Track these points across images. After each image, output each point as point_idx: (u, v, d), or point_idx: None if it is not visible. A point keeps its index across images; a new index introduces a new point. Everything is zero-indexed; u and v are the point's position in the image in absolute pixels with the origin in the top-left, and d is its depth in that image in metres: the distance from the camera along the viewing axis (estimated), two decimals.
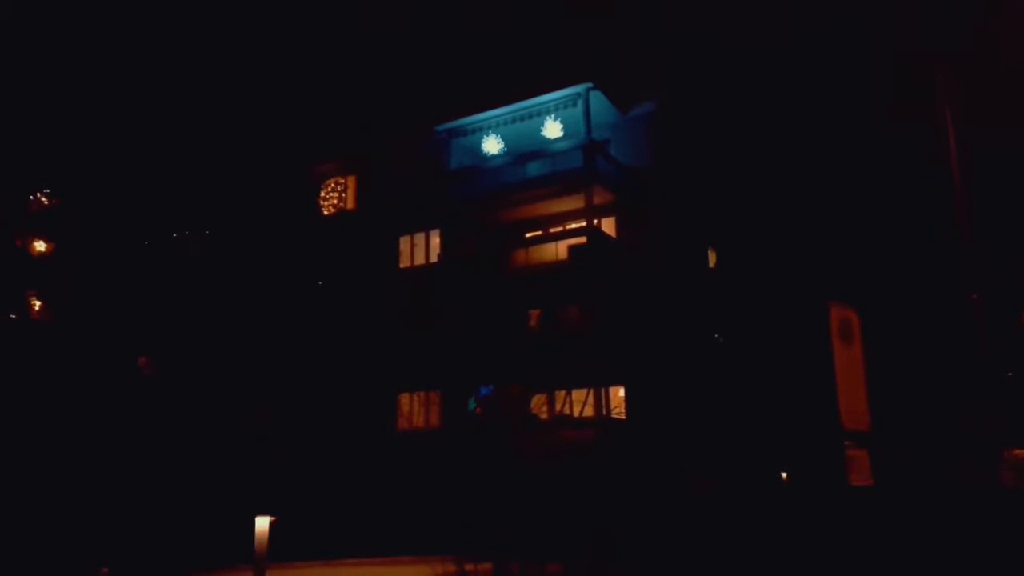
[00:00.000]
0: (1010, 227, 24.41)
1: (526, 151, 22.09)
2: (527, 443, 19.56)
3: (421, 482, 21.42)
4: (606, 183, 21.27)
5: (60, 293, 32.35)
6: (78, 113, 34.95)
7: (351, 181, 26.22)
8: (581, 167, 20.83)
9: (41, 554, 20.99)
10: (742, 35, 25.61)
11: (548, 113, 22.14)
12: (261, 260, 26.82)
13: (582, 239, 21.05)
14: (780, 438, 21.47)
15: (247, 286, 26.73)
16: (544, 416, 21.13)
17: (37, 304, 33.10)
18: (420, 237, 24.43)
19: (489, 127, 22.89)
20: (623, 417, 20.46)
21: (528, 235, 23.02)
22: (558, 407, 21.34)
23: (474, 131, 23.14)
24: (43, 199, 34.29)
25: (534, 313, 22.15)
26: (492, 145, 22.76)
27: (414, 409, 23.42)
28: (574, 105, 21.71)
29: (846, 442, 22.54)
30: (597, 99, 21.56)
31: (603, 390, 20.19)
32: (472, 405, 21.68)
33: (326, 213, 26.27)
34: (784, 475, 21.17)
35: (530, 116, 22.38)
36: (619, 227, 21.91)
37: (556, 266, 21.45)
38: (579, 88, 21.47)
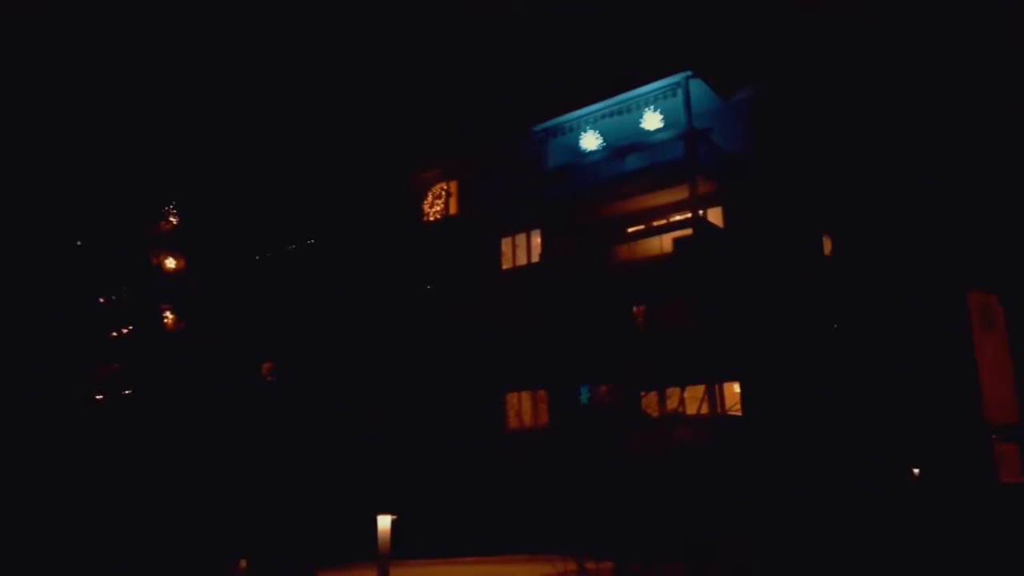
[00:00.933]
0: None
1: (625, 145, 21.70)
2: (638, 442, 19.20)
3: (533, 480, 21.43)
4: (710, 172, 20.62)
5: (191, 306, 34.42)
6: (198, 136, 37.11)
7: (453, 187, 26.59)
8: (683, 157, 20.29)
9: (186, 545, 22.41)
10: (850, 7, 24.18)
11: (646, 105, 21.67)
12: (371, 268, 27.60)
13: (687, 231, 20.49)
14: (913, 433, 20.18)
15: (359, 293, 27.57)
16: (655, 414, 20.67)
17: (170, 317, 35.36)
18: (521, 238, 24.47)
19: (586, 123, 22.64)
20: (739, 414, 19.73)
21: (630, 230, 22.62)
22: (670, 405, 20.81)
23: (571, 128, 22.95)
24: (172, 219, 36.62)
25: (639, 309, 21.72)
26: (590, 141, 22.49)
27: (523, 408, 23.46)
28: (673, 95, 21.17)
29: (993, 436, 20.96)
30: (697, 87, 20.93)
31: (717, 387, 19.54)
32: (585, 398, 21.49)
33: (432, 219, 26.74)
34: (916, 472, 19.89)
35: (628, 109, 21.98)
36: (726, 217, 21.17)
37: (661, 260, 20.97)
38: (678, 77, 20.94)
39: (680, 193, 20.80)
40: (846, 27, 23.37)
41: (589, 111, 22.55)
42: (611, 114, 22.27)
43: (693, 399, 19.89)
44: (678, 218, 21.46)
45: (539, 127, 23.50)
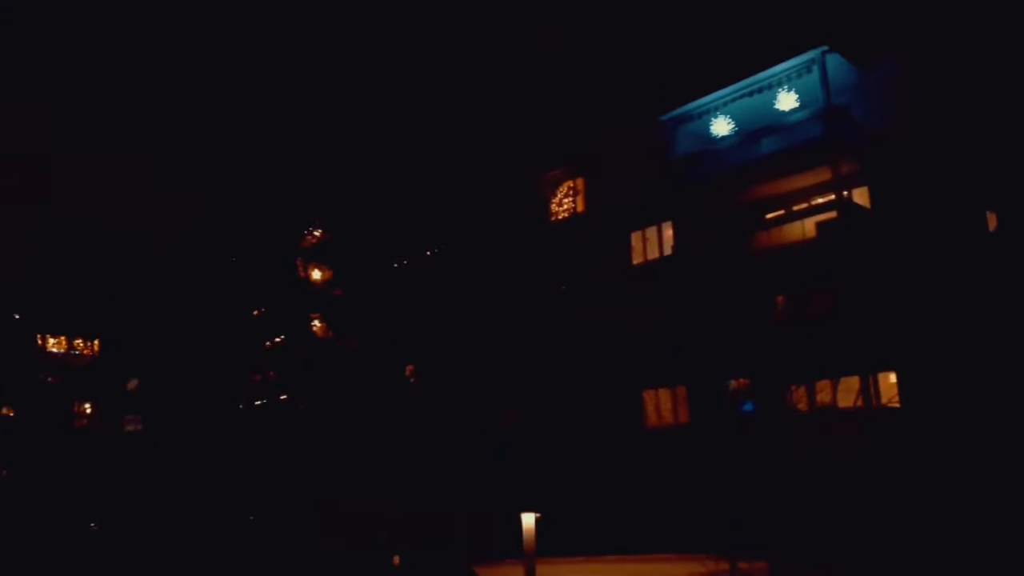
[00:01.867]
0: None
1: (758, 128, 20.79)
2: (787, 438, 18.36)
3: (675, 478, 20.96)
4: (853, 151, 19.39)
5: (337, 314, 36.19)
6: (336, 153, 38.99)
7: (580, 184, 26.46)
8: (822, 137, 19.22)
9: (343, 540, 23.50)
10: None
11: (779, 85, 20.70)
12: (503, 270, 27.95)
13: (831, 214, 19.38)
14: None
15: (493, 295, 27.98)
16: (803, 408, 19.66)
17: (319, 325, 37.32)
18: (652, 231, 23.97)
19: (716, 108, 21.89)
20: (897, 406, 18.41)
21: (769, 216, 21.65)
22: (821, 399, 19.74)
23: (700, 115, 22.26)
24: (316, 232, 38.67)
25: (782, 298, 20.75)
26: (721, 127, 21.71)
27: (661, 405, 22.98)
28: (808, 72, 20.11)
29: None
30: (833, 61, 19.77)
31: (871, 378, 18.32)
32: (727, 394, 20.80)
33: (560, 218, 26.73)
34: None
35: (759, 91, 21.07)
36: (873, 197, 19.82)
37: (803, 246, 19.95)
38: (812, 53, 19.92)
39: (821, 175, 19.71)
40: None
41: (718, 96, 21.79)
42: (741, 97, 21.42)
43: (847, 392, 18.76)
44: (820, 201, 20.35)
45: (666, 116, 22.97)
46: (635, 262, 24.28)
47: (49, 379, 48.35)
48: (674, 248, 23.15)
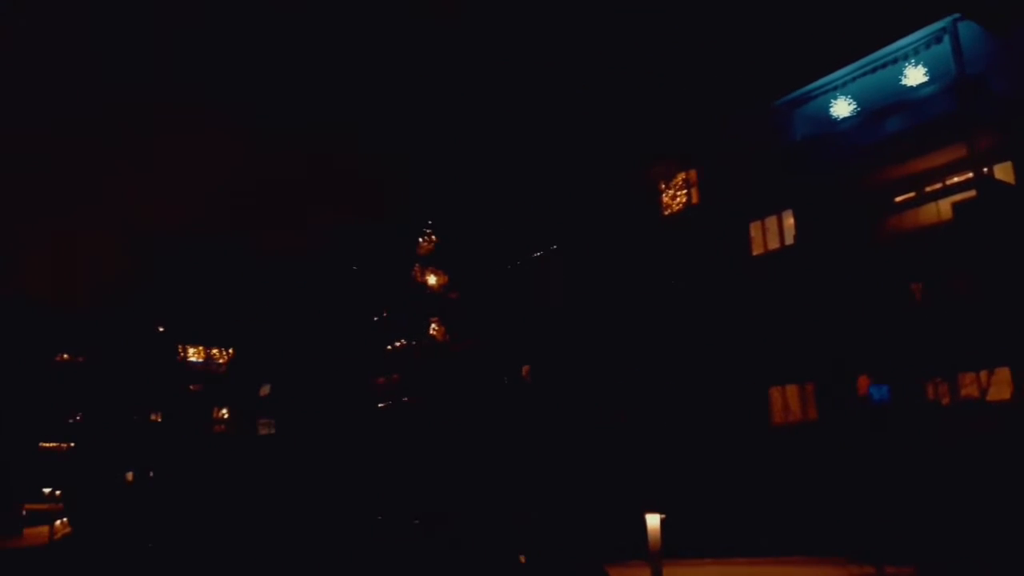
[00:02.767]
0: None
1: (883, 106, 19.67)
2: (927, 434, 17.22)
3: (804, 478, 20.07)
4: (991, 124, 17.97)
5: (455, 317, 36.94)
6: (446, 159, 39.78)
7: (693, 175, 25.81)
8: (956, 111, 17.94)
9: (466, 537, 23.89)
10: None
11: (906, 59, 19.48)
12: (615, 266, 27.63)
13: (969, 193, 18.04)
14: None
15: (606, 293, 27.73)
16: (946, 402, 18.38)
17: (437, 328, 38.18)
18: (771, 220, 23.00)
19: (836, 88, 20.84)
20: None
21: (898, 199, 20.39)
22: (965, 392, 18.40)
23: (818, 96, 21.25)
24: (431, 239, 39.61)
25: (916, 286, 19.47)
26: (842, 107, 20.64)
27: (788, 402, 22.05)
28: (937, 42, 18.83)
29: None
30: (966, 29, 18.41)
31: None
32: (861, 389, 19.74)
33: (673, 212, 26.17)
34: None
35: (883, 66, 19.90)
36: (1018, 172, 18.30)
37: (939, 228, 18.67)
38: (943, 23, 18.65)
39: (956, 151, 18.40)
40: None
41: (839, 75, 20.71)
42: (863, 75, 20.29)
43: (999, 384, 17.39)
44: (956, 180, 18.97)
45: (782, 100, 22.06)
46: (755, 253, 23.43)
47: (191, 387, 51.88)
48: (796, 237, 22.19)
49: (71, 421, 57.32)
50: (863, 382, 18.80)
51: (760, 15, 27.17)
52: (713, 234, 24.42)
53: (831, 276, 20.62)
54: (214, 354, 53.44)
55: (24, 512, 49.51)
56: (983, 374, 17.74)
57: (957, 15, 18.37)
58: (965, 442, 16.47)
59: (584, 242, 29.26)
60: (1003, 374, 17.09)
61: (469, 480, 30.63)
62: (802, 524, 18.92)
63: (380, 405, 40.80)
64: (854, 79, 20.51)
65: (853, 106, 20.48)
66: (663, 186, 26.51)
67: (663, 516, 12.32)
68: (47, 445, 57.77)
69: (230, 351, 53.56)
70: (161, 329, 52.11)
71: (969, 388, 18.03)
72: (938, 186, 19.48)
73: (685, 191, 25.94)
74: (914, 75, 19.24)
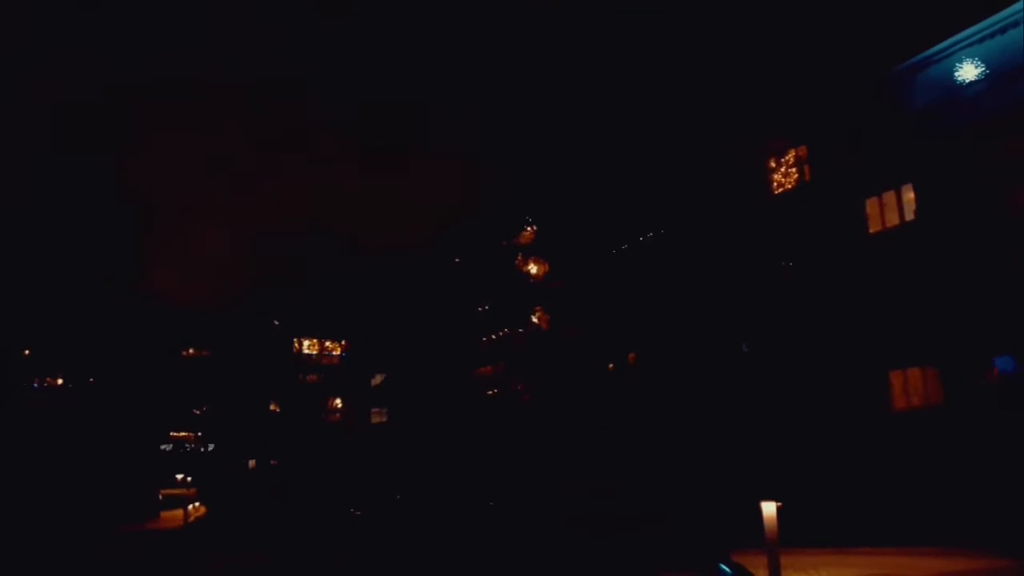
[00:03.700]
0: None
1: (1014, 68, 18.30)
2: None
3: (928, 464, 19.08)
4: None
5: (558, 305, 36.96)
6: (545, 147, 39.83)
7: (804, 152, 24.79)
8: None
9: (583, 525, 23.98)
10: None
11: None
12: (724, 249, 26.93)
13: None
14: None
15: (714, 277, 27.09)
16: None
17: (541, 316, 38.34)
18: (890, 195, 21.81)
19: (960, 51, 19.56)
20: None
21: None
22: None
23: (940, 60, 20.02)
24: (531, 228, 39.77)
25: None
26: (968, 71, 19.36)
27: (910, 386, 20.96)
28: None
29: None
30: None
31: None
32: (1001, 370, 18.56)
33: (784, 190, 25.24)
34: None
35: (1015, 24, 18.51)
36: None
37: None
38: None
39: None
40: None
41: (962, 37, 19.49)
42: (992, 35, 18.98)
43: None
44: None
45: (903, 64, 20.85)
46: (871, 231, 22.31)
47: (307, 378, 54.18)
48: (917, 212, 20.99)
49: (197, 412, 61.12)
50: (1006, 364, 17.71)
51: None
52: (827, 212, 23.41)
53: (957, 252, 19.44)
54: (328, 346, 55.55)
55: (160, 497, 53.20)
56: None
57: None
58: None
59: (691, 225, 28.63)
60: None
61: (577, 467, 30.69)
62: (926, 513, 18.02)
63: (488, 393, 41.40)
64: (980, 40, 19.22)
65: (981, 69, 19.20)
66: (773, 164, 25.60)
67: (779, 504, 12.01)
68: (177, 435, 61.79)
69: (343, 343, 55.56)
70: (276, 323, 54.59)
71: None
72: None
73: (796, 168, 24.98)
74: None
